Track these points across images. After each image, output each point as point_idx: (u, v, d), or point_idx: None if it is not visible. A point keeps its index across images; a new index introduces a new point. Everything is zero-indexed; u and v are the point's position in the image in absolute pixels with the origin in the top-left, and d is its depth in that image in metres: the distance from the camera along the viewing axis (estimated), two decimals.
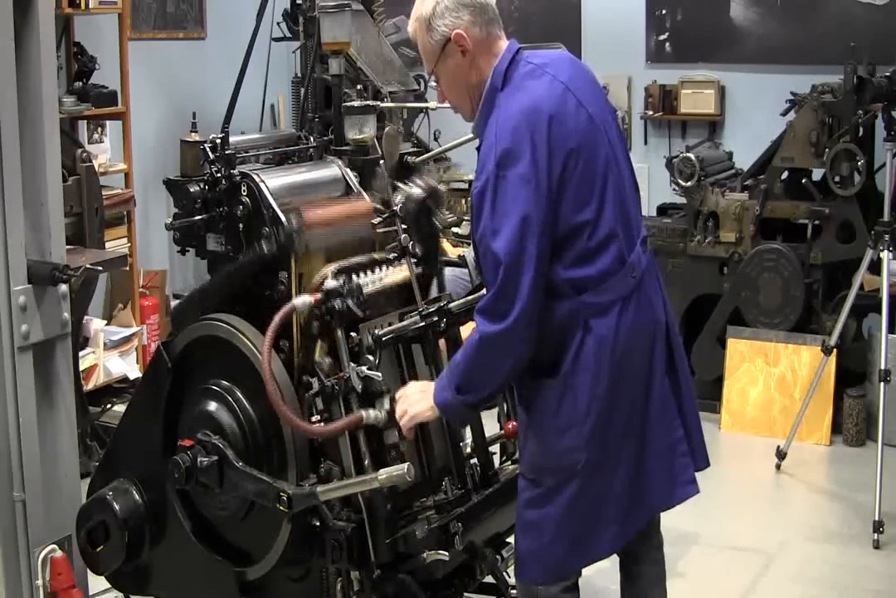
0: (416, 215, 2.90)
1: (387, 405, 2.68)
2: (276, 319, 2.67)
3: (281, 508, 2.67)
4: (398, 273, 2.97)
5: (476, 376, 2.52)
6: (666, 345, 2.65)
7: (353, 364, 2.69)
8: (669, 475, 2.66)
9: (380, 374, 2.70)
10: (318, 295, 2.70)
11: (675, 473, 2.66)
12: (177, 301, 3.18)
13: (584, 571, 2.70)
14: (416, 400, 2.62)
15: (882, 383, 4.28)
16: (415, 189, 2.92)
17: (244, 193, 2.91)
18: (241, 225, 2.93)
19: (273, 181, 2.96)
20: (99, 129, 5.22)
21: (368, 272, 2.89)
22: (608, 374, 2.50)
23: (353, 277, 2.80)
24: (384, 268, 2.94)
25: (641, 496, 2.61)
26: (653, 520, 2.80)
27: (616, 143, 2.60)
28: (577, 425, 2.51)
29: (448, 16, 2.53)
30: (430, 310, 2.87)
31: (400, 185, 3.02)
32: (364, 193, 3.05)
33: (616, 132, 2.63)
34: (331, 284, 2.72)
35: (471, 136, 2.85)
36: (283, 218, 2.83)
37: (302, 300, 2.69)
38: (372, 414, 2.66)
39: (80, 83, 5.15)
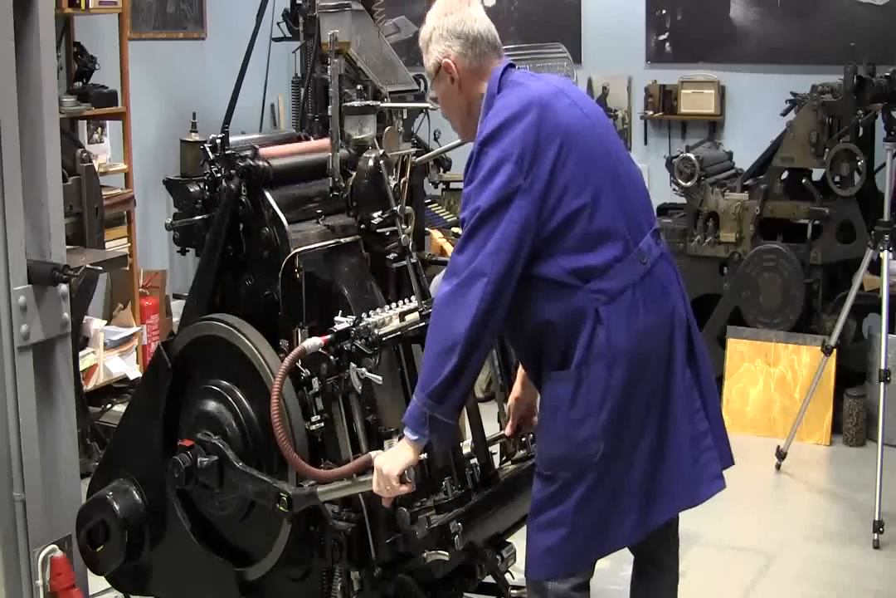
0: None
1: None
2: (286, 362, 2.65)
3: (281, 508, 2.67)
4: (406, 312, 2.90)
5: (433, 356, 2.45)
6: (686, 337, 2.62)
7: (353, 365, 2.69)
8: (695, 469, 2.60)
9: (380, 377, 2.69)
10: (328, 336, 2.69)
11: (701, 466, 2.61)
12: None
13: None
14: (379, 470, 2.51)
15: (882, 383, 4.28)
16: None
17: (244, 193, 2.92)
18: (241, 225, 2.94)
19: None
20: (99, 129, 5.21)
21: (379, 311, 2.85)
22: (623, 362, 2.47)
23: (364, 317, 2.77)
24: (395, 306, 2.90)
25: (663, 488, 2.56)
26: (672, 523, 2.74)
27: (615, 144, 2.62)
28: (594, 415, 2.47)
29: (441, 43, 2.60)
30: (431, 310, 2.87)
31: None
32: None
33: (614, 137, 2.65)
34: (341, 325, 2.71)
35: None
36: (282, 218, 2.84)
37: (312, 342, 2.67)
38: None
39: (80, 83, 5.14)
